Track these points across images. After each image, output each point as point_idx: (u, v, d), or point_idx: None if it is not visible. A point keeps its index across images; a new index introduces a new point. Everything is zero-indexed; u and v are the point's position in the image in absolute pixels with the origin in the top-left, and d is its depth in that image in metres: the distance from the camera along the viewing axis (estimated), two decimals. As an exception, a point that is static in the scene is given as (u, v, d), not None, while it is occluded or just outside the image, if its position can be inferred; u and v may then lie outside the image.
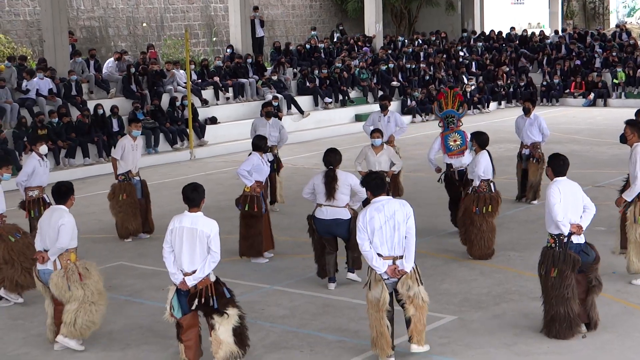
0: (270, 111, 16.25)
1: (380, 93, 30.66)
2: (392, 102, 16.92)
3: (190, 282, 8.25)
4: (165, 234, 8.41)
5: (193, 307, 8.27)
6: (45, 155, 12.82)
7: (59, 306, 9.16)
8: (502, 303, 10.28)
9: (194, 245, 8.25)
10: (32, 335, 9.70)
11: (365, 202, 10.41)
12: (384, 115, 15.91)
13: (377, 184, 8.53)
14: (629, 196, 10.80)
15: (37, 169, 12.49)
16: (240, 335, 8.39)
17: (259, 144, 12.81)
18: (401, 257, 8.37)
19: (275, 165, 15.87)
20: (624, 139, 11.14)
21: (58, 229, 9.02)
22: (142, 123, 14.92)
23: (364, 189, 10.79)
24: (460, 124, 13.88)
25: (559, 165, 9.13)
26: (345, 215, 10.89)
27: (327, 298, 10.72)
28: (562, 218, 8.85)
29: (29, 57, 26.77)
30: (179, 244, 8.30)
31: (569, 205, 8.92)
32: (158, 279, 11.81)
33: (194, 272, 8.25)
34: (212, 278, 8.38)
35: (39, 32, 27.68)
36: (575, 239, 8.96)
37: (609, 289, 10.32)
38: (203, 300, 8.25)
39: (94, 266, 9.31)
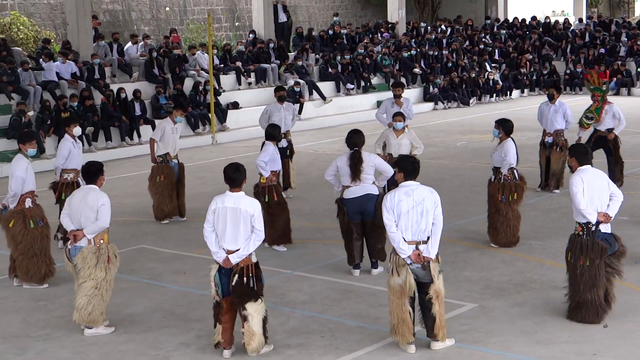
0: (282, 95, 16.15)
1: (403, 80, 30.60)
2: (405, 89, 16.61)
3: (234, 259, 8.27)
4: (207, 214, 8.42)
5: (233, 283, 8.27)
6: (79, 137, 12.86)
7: None
8: (524, 291, 10.26)
9: (237, 224, 8.28)
10: (55, 317, 9.77)
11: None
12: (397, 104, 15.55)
13: (413, 167, 8.51)
14: None
15: (72, 150, 12.55)
16: (264, 327, 8.43)
17: (273, 133, 12.76)
18: (424, 242, 8.35)
19: (288, 151, 15.81)
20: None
21: (98, 209, 9.05)
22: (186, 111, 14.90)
23: (390, 167, 10.85)
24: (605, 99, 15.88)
25: (582, 153, 9.11)
26: (374, 190, 10.91)
27: (347, 284, 10.73)
28: (585, 207, 8.82)
29: (52, 40, 26.86)
30: (222, 223, 8.32)
31: (594, 194, 8.89)
32: (179, 262, 11.87)
33: (236, 251, 8.28)
34: (254, 259, 8.41)
35: (63, 15, 27.77)
36: (603, 228, 8.93)
37: (631, 278, 10.29)
38: (245, 279, 8.25)
39: (118, 255, 9.35)
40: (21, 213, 10.78)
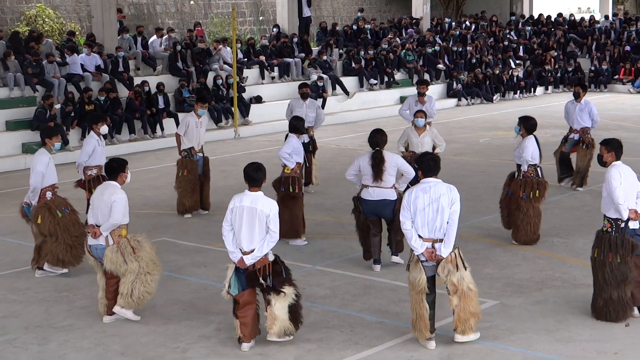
0: (305, 92, 16.15)
1: (426, 76, 30.55)
2: (429, 87, 16.54)
3: (249, 260, 8.31)
4: (226, 213, 8.46)
5: (251, 286, 8.33)
6: (105, 135, 12.88)
7: (110, 280, 9.27)
8: (545, 289, 10.22)
9: (253, 224, 8.30)
10: (77, 308, 9.83)
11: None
12: (420, 102, 15.50)
13: (430, 165, 8.47)
14: None
15: (97, 148, 12.61)
16: (295, 312, 8.45)
17: (297, 125, 12.77)
18: (441, 240, 8.33)
19: (311, 147, 15.80)
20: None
21: (110, 205, 9.11)
22: (207, 104, 14.93)
23: (411, 169, 10.80)
24: None
25: (619, 147, 9.09)
26: (392, 196, 10.83)
27: (368, 279, 10.72)
28: (623, 202, 8.79)
29: (77, 33, 26.99)
30: (238, 222, 8.35)
31: (627, 190, 8.87)
32: (200, 256, 11.90)
33: (252, 251, 8.30)
34: (271, 257, 8.43)
35: (88, 8, 27.91)
36: (631, 224, 8.89)
37: (654, 277, 10.21)
38: (261, 280, 8.30)
39: (144, 237, 9.40)
40: (45, 206, 10.85)
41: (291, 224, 12.29)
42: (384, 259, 11.16)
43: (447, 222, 8.32)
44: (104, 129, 12.78)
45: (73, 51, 22.79)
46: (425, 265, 8.34)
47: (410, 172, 10.89)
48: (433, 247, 8.33)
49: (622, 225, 8.89)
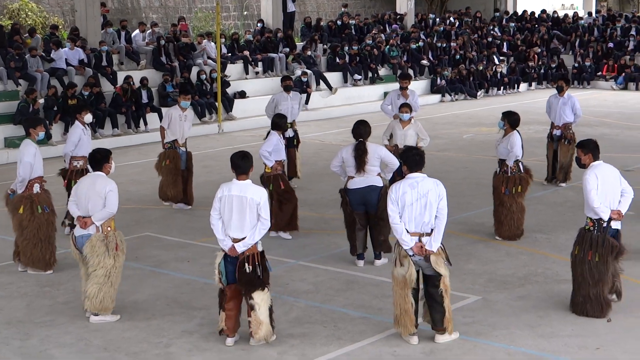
0: (288, 85, 16.10)
1: (410, 71, 30.58)
2: (411, 81, 16.51)
3: (240, 248, 8.27)
4: (214, 202, 8.42)
5: (239, 272, 8.25)
6: (89, 124, 12.84)
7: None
8: (527, 285, 10.25)
9: (243, 213, 8.27)
10: (59, 303, 9.78)
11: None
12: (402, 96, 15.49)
13: (416, 160, 8.47)
14: None
15: (82, 137, 12.55)
16: (270, 316, 8.44)
17: (279, 122, 12.73)
18: (428, 234, 8.34)
19: (295, 141, 15.79)
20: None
21: (105, 195, 9.06)
22: (190, 96, 14.87)
23: (395, 160, 10.81)
24: None
25: (596, 148, 9.05)
26: (378, 182, 10.87)
27: (351, 274, 10.73)
28: (599, 205, 8.80)
29: (60, 27, 26.86)
30: (228, 211, 8.32)
31: (607, 190, 8.87)
32: (183, 250, 11.88)
33: (242, 239, 8.29)
34: (260, 248, 8.41)
35: (71, 1, 27.78)
36: (614, 224, 8.92)
37: (635, 273, 10.29)
38: (250, 267, 8.25)
39: (124, 242, 9.36)
40: (29, 198, 10.80)
41: (290, 218, 12.33)
42: (367, 255, 11.15)
43: (436, 217, 8.33)
44: (88, 117, 12.72)
45: (58, 46, 22.68)
46: (413, 260, 8.34)
47: (394, 162, 10.91)
48: (420, 241, 8.33)
49: (604, 225, 8.92)
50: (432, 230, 8.35)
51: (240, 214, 8.29)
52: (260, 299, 8.31)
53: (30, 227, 10.76)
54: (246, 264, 8.27)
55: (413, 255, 8.34)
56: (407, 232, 8.32)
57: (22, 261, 10.90)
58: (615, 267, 9.15)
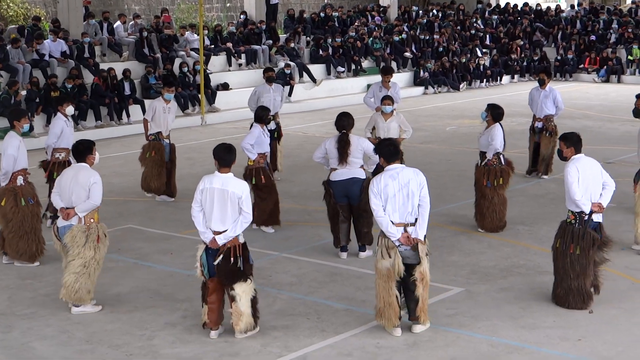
0: (271, 76, 16.07)
1: (394, 64, 30.60)
2: (394, 75, 16.48)
3: (221, 240, 8.26)
4: (195, 194, 8.40)
5: (216, 262, 8.25)
6: (72, 116, 12.79)
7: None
8: (510, 276, 10.29)
9: (225, 206, 8.26)
10: (41, 295, 9.75)
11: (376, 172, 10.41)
12: (384, 88, 15.48)
13: (391, 151, 8.48)
14: None
15: (65, 129, 12.50)
16: (254, 307, 8.44)
17: (262, 115, 12.71)
18: (412, 224, 8.35)
19: (276, 134, 15.76)
20: (637, 113, 11.12)
21: (89, 187, 9.04)
22: (174, 88, 14.81)
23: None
24: None
25: (578, 141, 9.08)
26: (361, 174, 10.89)
27: (334, 267, 10.74)
28: (580, 197, 8.84)
29: (42, 18, 26.71)
30: (209, 204, 8.31)
31: (589, 183, 8.91)
32: (166, 243, 11.86)
33: (224, 231, 8.28)
34: (241, 240, 8.41)
35: (53, -7, 27.63)
36: (595, 217, 8.96)
37: (617, 264, 10.32)
38: (232, 259, 8.26)
39: (107, 234, 9.34)
40: (12, 191, 10.76)
41: (270, 212, 12.30)
42: (350, 247, 11.17)
43: (420, 205, 8.34)
44: (70, 109, 12.67)
45: (41, 38, 22.52)
46: (400, 251, 8.34)
47: (376, 156, 10.89)
48: (406, 231, 8.35)
49: (586, 217, 8.96)
50: (416, 219, 8.37)
51: (221, 207, 8.28)
52: (242, 290, 8.31)
53: (15, 220, 10.73)
54: (221, 255, 8.26)
55: (400, 245, 8.35)
56: (393, 223, 8.33)
57: (9, 254, 10.86)
58: (600, 258, 9.19)
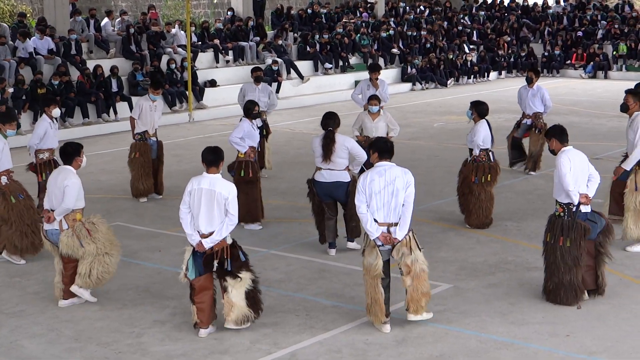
0: (259, 76, 16.08)
1: (381, 60, 30.62)
2: (381, 72, 16.48)
3: (207, 244, 8.27)
4: (183, 195, 8.40)
5: (213, 269, 8.31)
6: (57, 118, 12.78)
7: (68, 264, 9.20)
8: (498, 272, 10.31)
9: (211, 207, 8.26)
10: (29, 293, 9.72)
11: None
12: (373, 86, 15.46)
13: (387, 146, 8.50)
14: (628, 165, 10.89)
15: (48, 131, 12.47)
16: (253, 298, 8.43)
17: (251, 108, 12.71)
18: (396, 224, 8.36)
19: (264, 131, 15.74)
20: (624, 108, 11.18)
21: (63, 189, 9.04)
22: (161, 89, 14.76)
23: (363, 152, 10.80)
24: None
25: (562, 133, 9.13)
26: (345, 178, 10.83)
27: (323, 263, 10.75)
28: (573, 188, 8.88)
29: (28, 15, 26.60)
30: (197, 205, 8.30)
31: (577, 175, 8.95)
32: (155, 240, 11.84)
33: (211, 233, 8.27)
34: (229, 241, 8.40)
35: (39, -11, 27.51)
36: (583, 208, 9.00)
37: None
38: (218, 262, 8.27)
39: (99, 218, 9.35)
40: None
41: (248, 208, 12.26)
42: (338, 243, 11.18)
43: (403, 205, 8.35)
44: (56, 112, 12.65)
45: (26, 36, 22.41)
46: (381, 250, 8.37)
47: (362, 155, 10.88)
48: (388, 231, 8.36)
49: (574, 209, 8.99)
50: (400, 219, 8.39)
51: (208, 208, 8.28)
52: (233, 281, 8.31)
53: (12, 217, 10.72)
54: (215, 262, 8.28)
55: (381, 245, 8.36)
56: (375, 221, 8.34)
57: (8, 249, 10.80)
58: (607, 251, 9.21)
